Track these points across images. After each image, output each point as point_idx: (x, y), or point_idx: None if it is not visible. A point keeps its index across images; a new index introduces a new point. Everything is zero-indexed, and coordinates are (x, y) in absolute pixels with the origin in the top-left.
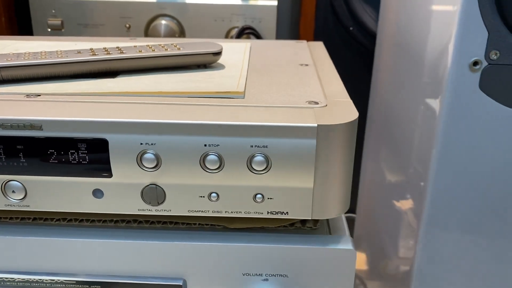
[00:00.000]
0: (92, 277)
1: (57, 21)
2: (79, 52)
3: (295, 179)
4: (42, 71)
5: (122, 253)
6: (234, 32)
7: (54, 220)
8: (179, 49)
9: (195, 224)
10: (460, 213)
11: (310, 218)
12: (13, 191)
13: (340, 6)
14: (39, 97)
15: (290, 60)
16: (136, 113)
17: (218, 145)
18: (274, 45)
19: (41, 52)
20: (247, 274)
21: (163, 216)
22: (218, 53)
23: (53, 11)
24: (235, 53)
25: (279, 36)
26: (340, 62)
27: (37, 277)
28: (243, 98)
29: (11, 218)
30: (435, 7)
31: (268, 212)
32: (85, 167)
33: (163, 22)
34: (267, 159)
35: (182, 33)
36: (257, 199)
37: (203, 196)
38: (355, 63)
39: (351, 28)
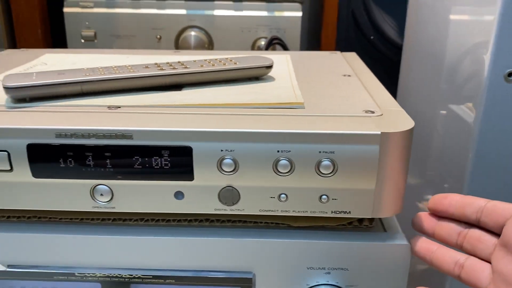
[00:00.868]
0: (167, 272)
1: (90, 33)
2: (146, 67)
3: (358, 181)
4: (117, 85)
5: (196, 249)
6: (259, 42)
7: (132, 220)
8: (235, 63)
9: (261, 222)
10: None
11: (370, 217)
12: (101, 194)
13: (362, 16)
14: (119, 108)
15: (331, 71)
16: (216, 123)
17: (289, 151)
18: (310, 56)
19: (112, 67)
20: (311, 268)
21: (235, 216)
22: (270, 66)
23: (87, 23)
24: (279, 64)
25: (302, 45)
26: None
27: (116, 272)
28: (304, 108)
29: (92, 219)
30: (468, 19)
31: (332, 212)
32: (169, 172)
33: (193, 33)
34: (333, 164)
35: (210, 44)
36: (322, 199)
37: (273, 197)
38: (376, 71)
39: (372, 37)
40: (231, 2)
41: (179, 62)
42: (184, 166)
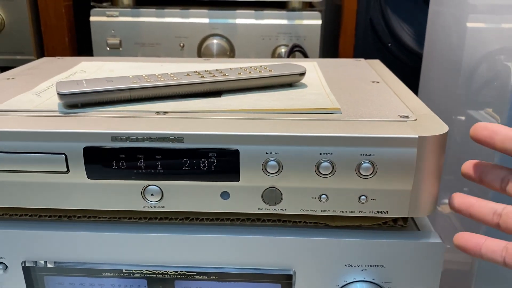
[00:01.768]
0: (210, 268)
1: (115, 41)
2: (188, 74)
3: (396, 182)
4: (163, 92)
5: (238, 247)
6: (280, 49)
7: (178, 219)
8: (271, 71)
9: (300, 222)
10: None
11: (407, 216)
12: (152, 194)
13: (379, 24)
14: (167, 114)
15: (360, 77)
16: (261, 127)
17: (331, 153)
18: (336, 63)
19: (156, 74)
20: (349, 265)
21: (277, 215)
22: (303, 74)
23: (112, 31)
24: (309, 72)
25: (321, 53)
26: None
27: (161, 269)
28: (341, 113)
29: (139, 219)
30: (486, 26)
31: (370, 212)
32: (216, 173)
33: (215, 41)
34: (373, 166)
35: (232, 51)
36: (361, 200)
37: (314, 197)
38: None
39: (389, 44)
40: (252, 11)
41: (217, 70)
42: (231, 168)
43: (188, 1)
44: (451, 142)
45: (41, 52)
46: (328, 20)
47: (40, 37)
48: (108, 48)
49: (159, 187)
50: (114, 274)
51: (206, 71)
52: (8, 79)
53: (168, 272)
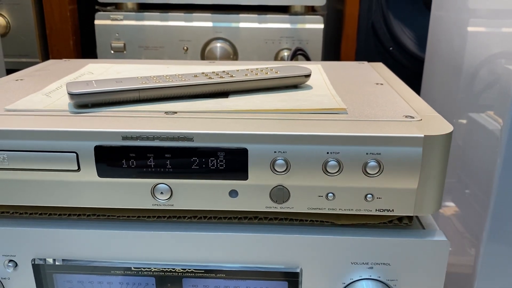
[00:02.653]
0: (218, 266)
1: (120, 44)
2: (196, 76)
3: (402, 181)
4: (171, 92)
5: (246, 245)
6: (282, 53)
7: (186, 218)
8: (277, 72)
9: (306, 220)
10: None
11: (412, 215)
12: (161, 193)
13: (381, 28)
14: (175, 114)
15: (364, 79)
16: (269, 126)
17: (338, 152)
18: (339, 66)
19: (165, 76)
20: (355, 263)
21: (284, 213)
22: (308, 75)
23: (117, 34)
24: (314, 74)
25: (323, 56)
26: None
27: (169, 267)
28: (347, 113)
29: (148, 217)
30: (487, 30)
31: (376, 210)
32: (225, 171)
33: (218, 44)
34: (379, 164)
35: (235, 55)
36: (367, 198)
37: (321, 196)
38: None
39: (391, 48)
40: (255, 15)
41: (224, 71)
42: (240, 167)
43: (192, 5)
44: (453, 145)
45: (46, 55)
46: (330, 24)
47: (45, 40)
48: (112, 51)
49: (168, 186)
50: (122, 271)
51: (213, 72)
52: (16, 80)
53: (176, 270)
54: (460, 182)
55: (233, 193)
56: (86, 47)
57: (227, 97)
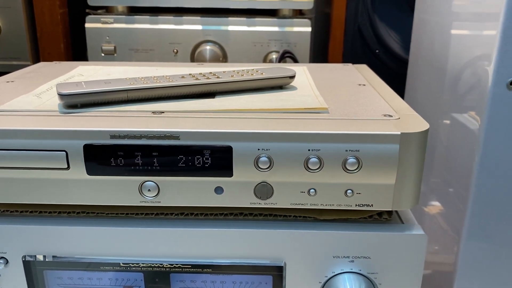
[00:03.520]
0: (205, 261)
1: (110, 47)
2: (183, 77)
3: (380, 177)
4: (159, 93)
5: (232, 240)
6: (271, 55)
7: (173, 215)
8: (262, 74)
9: (290, 216)
10: (499, 226)
11: (391, 209)
12: (149, 190)
13: (367, 31)
14: (163, 113)
15: (347, 80)
16: (253, 125)
17: (319, 149)
18: (324, 68)
19: (152, 77)
20: (337, 257)
21: (268, 209)
22: (293, 76)
23: (107, 37)
24: (299, 75)
25: (311, 58)
26: None
27: (157, 262)
28: (328, 113)
29: (136, 214)
30: (469, 33)
31: (356, 205)
32: (211, 169)
33: (208, 47)
34: (358, 161)
35: (224, 57)
36: (347, 194)
37: (304, 192)
38: None
39: (377, 51)
40: (244, 18)
41: (211, 72)
42: (225, 164)
43: (182, 8)
44: (437, 145)
45: (37, 57)
46: (317, 28)
47: (36, 43)
48: (103, 54)
49: (155, 183)
50: (111, 267)
51: (200, 73)
52: (7, 82)
53: (164, 265)
54: (444, 181)
55: (219, 190)
56: (77, 50)
57: (213, 97)
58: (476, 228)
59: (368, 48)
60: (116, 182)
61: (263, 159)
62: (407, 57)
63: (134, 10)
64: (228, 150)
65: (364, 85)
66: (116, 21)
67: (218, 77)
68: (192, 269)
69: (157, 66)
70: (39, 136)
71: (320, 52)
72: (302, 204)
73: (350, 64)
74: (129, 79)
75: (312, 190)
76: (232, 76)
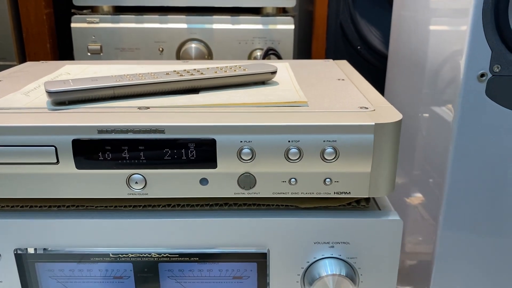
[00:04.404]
0: (191, 250)
1: (96, 46)
2: (168, 73)
3: (356, 165)
4: (144, 89)
5: (217, 230)
6: (255, 53)
7: (160, 207)
8: (245, 70)
9: (273, 205)
10: (474, 214)
11: (367, 196)
12: (136, 182)
13: (349, 28)
14: (148, 109)
15: (327, 76)
16: (236, 118)
17: (298, 141)
18: (306, 64)
19: (138, 74)
20: (318, 243)
21: (251, 199)
22: (274, 72)
23: (93, 37)
24: (280, 71)
25: (295, 55)
26: None
27: (146, 253)
28: (308, 106)
29: (125, 206)
30: (445, 29)
31: (334, 193)
32: (195, 161)
33: (193, 45)
34: (335, 151)
35: (209, 55)
36: (326, 182)
37: (285, 181)
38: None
39: (359, 48)
40: (228, 17)
41: (195, 69)
42: (209, 156)
43: (167, 7)
44: (417, 137)
45: (23, 58)
46: (301, 25)
47: (22, 43)
48: (89, 54)
49: (142, 176)
50: (101, 258)
51: (184, 70)
52: None
53: (152, 255)
54: (424, 172)
55: (204, 181)
56: (63, 50)
57: (197, 93)
58: (452, 216)
59: (350, 44)
60: (104, 175)
61: (246, 150)
62: (388, 53)
63: (119, 10)
64: (212, 142)
65: (343, 79)
66: (101, 21)
67: (202, 74)
68: (180, 258)
69: (143, 64)
70: (29, 132)
71: (303, 49)
72: (283, 193)
73: (330, 60)
74: (115, 77)
75: (292, 180)
76: (216, 72)
